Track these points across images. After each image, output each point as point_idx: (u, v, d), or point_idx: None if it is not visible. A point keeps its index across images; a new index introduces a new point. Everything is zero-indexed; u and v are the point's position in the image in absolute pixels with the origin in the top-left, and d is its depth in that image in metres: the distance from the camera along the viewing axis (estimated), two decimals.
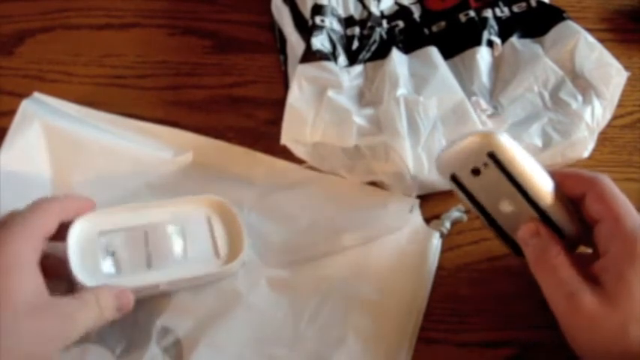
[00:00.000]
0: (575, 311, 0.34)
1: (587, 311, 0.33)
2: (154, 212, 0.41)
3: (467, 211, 0.47)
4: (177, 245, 0.40)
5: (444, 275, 0.45)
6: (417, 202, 0.47)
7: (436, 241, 0.45)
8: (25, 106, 0.46)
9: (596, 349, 0.34)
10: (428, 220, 0.47)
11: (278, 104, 0.49)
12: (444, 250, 0.46)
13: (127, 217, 0.40)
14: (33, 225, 0.35)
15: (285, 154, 0.48)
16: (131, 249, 0.39)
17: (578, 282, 0.34)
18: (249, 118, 0.52)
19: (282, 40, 0.54)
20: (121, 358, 0.39)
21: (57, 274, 0.37)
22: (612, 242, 0.34)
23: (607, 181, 0.36)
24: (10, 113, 0.46)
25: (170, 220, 0.41)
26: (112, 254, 0.39)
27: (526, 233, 0.38)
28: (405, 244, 0.44)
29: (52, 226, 0.37)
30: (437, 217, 0.47)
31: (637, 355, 0.33)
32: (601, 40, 0.50)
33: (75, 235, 0.38)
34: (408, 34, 0.52)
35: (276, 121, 0.47)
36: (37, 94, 0.48)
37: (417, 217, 0.46)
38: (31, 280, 0.34)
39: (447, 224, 0.46)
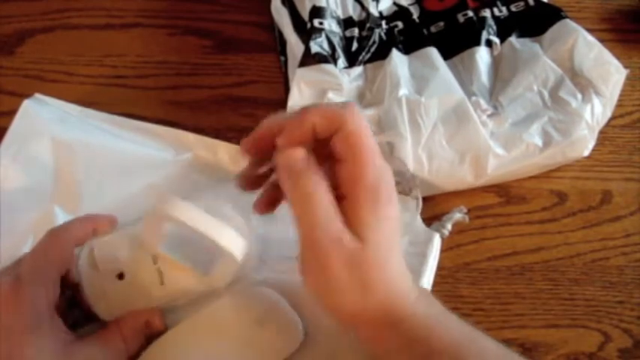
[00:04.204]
0: (338, 252, 0.31)
1: (349, 251, 0.31)
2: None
3: (468, 212, 0.47)
4: (187, 258, 0.40)
5: (444, 275, 0.45)
6: (418, 202, 0.47)
7: (437, 243, 0.45)
8: (26, 106, 0.46)
9: (352, 292, 0.32)
10: (429, 221, 0.47)
11: (279, 104, 0.49)
12: (444, 250, 0.46)
13: (130, 237, 0.39)
14: (49, 273, 0.34)
15: None
16: (140, 269, 0.39)
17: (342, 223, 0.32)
18: (249, 118, 0.52)
19: (282, 41, 0.54)
20: None
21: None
22: (353, 187, 0.32)
23: (356, 121, 0.32)
24: (11, 113, 0.46)
25: (175, 234, 0.40)
26: (123, 277, 0.38)
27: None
28: (405, 245, 0.44)
29: (69, 263, 0.36)
30: (437, 217, 0.47)
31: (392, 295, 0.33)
32: (601, 40, 0.50)
33: (84, 267, 0.37)
34: (408, 35, 0.52)
35: None
36: (37, 95, 0.48)
37: (417, 219, 0.46)
38: (48, 340, 0.33)
39: (448, 226, 0.46)
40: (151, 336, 0.38)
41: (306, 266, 0.33)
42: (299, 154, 0.32)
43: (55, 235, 0.36)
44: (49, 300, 0.34)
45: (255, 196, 0.37)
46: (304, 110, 0.32)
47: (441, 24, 0.52)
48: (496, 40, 0.51)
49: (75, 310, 0.38)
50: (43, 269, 0.34)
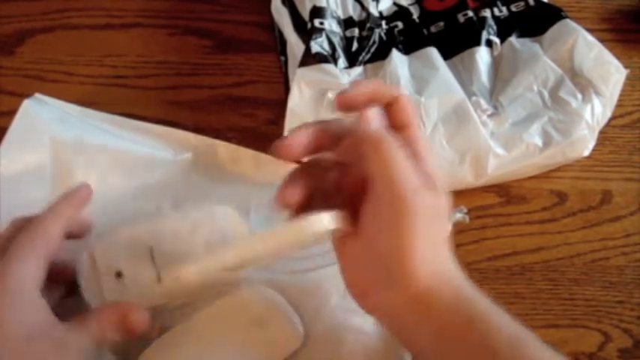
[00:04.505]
0: (421, 200, 0.32)
1: (428, 199, 0.32)
2: (154, 226, 0.40)
3: (468, 212, 0.47)
4: (185, 257, 0.40)
5: None
6: None
7: None
8: (26, 106, 0.46)
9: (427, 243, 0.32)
10: None
11: (278, 104, 0.49)
12: None
13: (129, 236, 0.39)
14: (35, 250, 0.35)
15: None
16: (138, 268, 0.39)
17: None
18: (249, 117, 0.52)
19: (282, 41, 0.54)
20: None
21: (63, 277, 0.38)
22: (416, 147, 0.34)
23: (407, 95, 0.37)
24: (11, 113, 0.46)
25: (173, 232, 0.40)
26: (121, 276, 0.39)
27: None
28: None
29: (55, 242, 0.36)
30: None
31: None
32: (601, 40, 0.50)
33: (84, 267, 0.38)
34: (408, 35, 0.52)
35: (277, 121, 0.47)
36: (37, 95, 0.48)
37: None
38: (31, 311, 0.34)
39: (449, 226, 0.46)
40: (132, 333, 0.37)
41: (379, 224, 0.32)
42: (378, 112, 0.34)
43: (39, 218, 0.37)
44: (34, 278, 0.34)
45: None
46: (361, 80, 0.34)
47: (441, 24, 0.52)
48: (496, 40, 0.51)
49: (72, 309, 0.38)
50: (29, 248, 0.35)
